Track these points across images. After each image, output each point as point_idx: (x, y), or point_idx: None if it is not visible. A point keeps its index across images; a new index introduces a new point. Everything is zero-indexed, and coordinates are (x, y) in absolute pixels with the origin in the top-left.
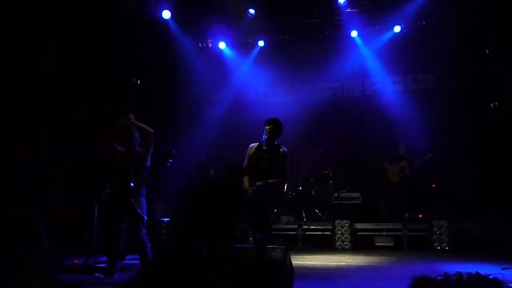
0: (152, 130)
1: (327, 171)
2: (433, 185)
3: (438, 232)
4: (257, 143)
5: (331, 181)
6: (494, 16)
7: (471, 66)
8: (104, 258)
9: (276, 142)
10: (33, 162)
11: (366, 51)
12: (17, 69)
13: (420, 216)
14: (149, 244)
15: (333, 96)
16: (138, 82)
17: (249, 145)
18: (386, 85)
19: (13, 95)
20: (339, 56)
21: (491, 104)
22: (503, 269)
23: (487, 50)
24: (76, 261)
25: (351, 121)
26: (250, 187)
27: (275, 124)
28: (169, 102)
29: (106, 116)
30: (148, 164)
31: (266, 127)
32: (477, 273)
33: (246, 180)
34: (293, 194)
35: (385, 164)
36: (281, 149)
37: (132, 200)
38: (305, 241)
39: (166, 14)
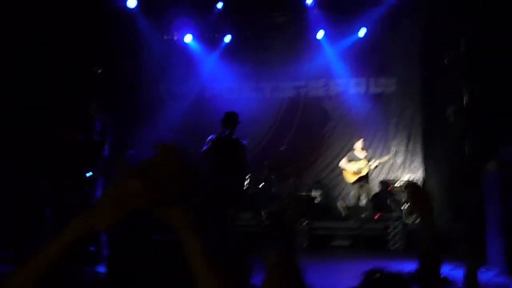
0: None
1: (288, 169)
2: (389, 188)
3: (393, 233)
4: (215, 135)
5: (291, 179)
6: (454, 26)
7: (430, 73)
8: None
9: (234, 136)
10: None
11: (331, 52)
12: None
13: (376, 217)
14: (104, 237)
15: (297, 95)
16: (99, 71)
17: (209, 136)
18: (349, 87)
19: None
20: (305, 55)
21: (447, 111)
22: (451, 270)
23: (445, 60)
24: None
25: (315, 120)
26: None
27: (231, 118)
28: (132, 94)
29: (66, 105)
30: (106, 154)
31: (232, 125)
32: None
33: None
34: (255, 190)
35: (341, 164)
36: (241, 143)
37: (87, 190)
38: (262, 239)
39: (131, 3)
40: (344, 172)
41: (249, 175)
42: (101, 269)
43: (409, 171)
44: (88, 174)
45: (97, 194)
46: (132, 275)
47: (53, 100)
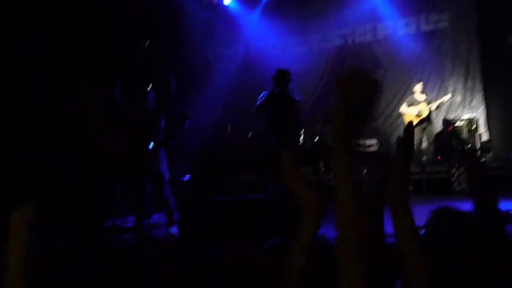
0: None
1: None
2: (450, 127)
3: (457, 173)
4: (267, 92)
5: None
6: None
7: (486, 1)
8: (131, 219)
9: (287, 93)
10: None
11: None
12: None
13: (439, 157)
14: (173, 201)
15: (345, 43)
16: (146, 44)
17: (261, 93)
18: (398, 28)
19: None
20: (348, 1)
21: (508, 41)
22: None
23: None
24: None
25: (365, 67)
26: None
27: (283, 76)
28: (179, 63)
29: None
30: (162, 126)
31: (283, 83)
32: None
33: None
34: (311, 144)
35: (402, 109)
36: (292, 98)
37: (153, 160)
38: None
39: None
40: (404, 117)
41: (303, 130)
42: (174, 230)
43: (469, 109)
44: (150, 146)
45: (162, 164)
46: (201, 234)
47: (103, 76)
